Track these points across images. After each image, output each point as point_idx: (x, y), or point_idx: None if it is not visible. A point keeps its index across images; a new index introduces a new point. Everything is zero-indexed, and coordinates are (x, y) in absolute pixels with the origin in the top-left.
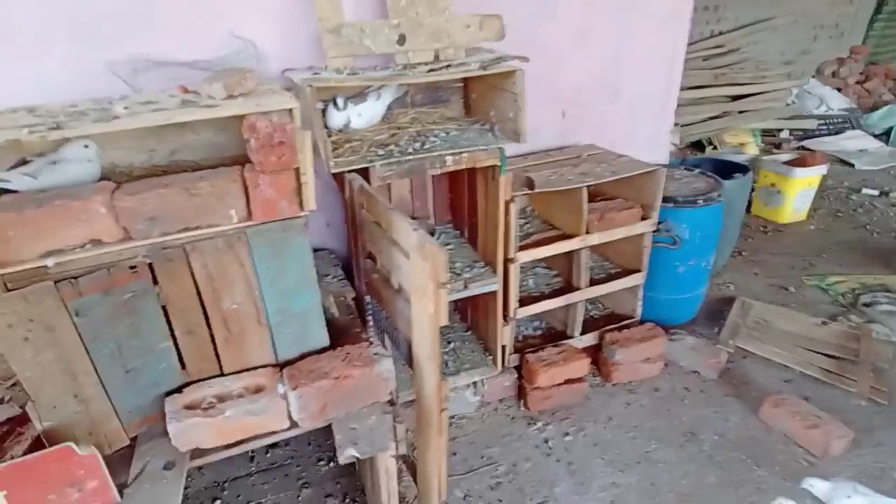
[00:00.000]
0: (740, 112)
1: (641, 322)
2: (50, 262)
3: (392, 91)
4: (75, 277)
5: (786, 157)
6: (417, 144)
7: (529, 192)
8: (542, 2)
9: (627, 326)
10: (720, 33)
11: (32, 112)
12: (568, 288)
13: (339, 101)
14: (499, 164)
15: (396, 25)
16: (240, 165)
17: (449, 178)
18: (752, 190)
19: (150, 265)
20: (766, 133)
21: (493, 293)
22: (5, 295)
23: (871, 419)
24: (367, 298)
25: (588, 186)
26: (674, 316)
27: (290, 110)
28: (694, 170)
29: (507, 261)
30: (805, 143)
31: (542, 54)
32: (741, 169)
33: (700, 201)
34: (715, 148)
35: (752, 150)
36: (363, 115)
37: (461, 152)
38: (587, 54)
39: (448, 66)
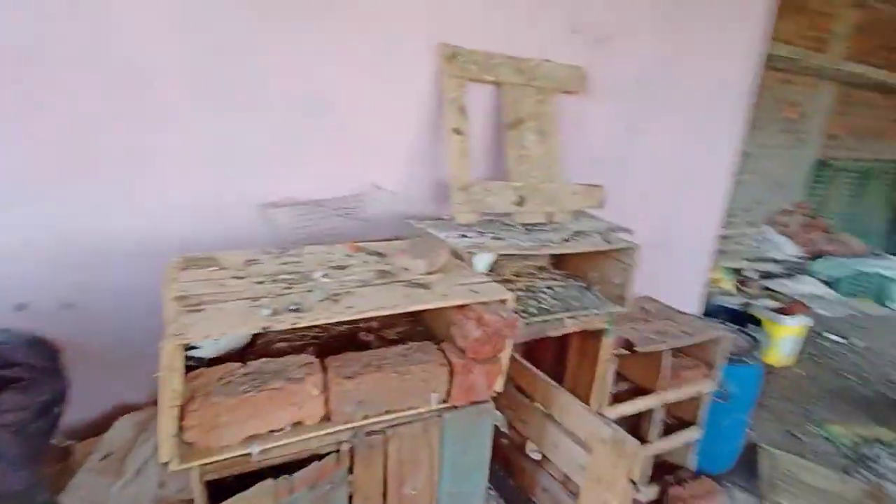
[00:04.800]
0: (716, 251)
1: (697, 476)
2: (255, 448)
3: None
4: (277, 467)
5: (771, 303)
6: (535, 304)
7: (628, 352)
8: (619, 173)
9: (686, 481)
10: None
11: (242, 276)
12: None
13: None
14: (606, 327)
15: (518, 188)
16: (437, 347)
17: None
18: None
19: (351, 449)
20: (734, 270)
21: None
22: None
23: None
24: None
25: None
26: (715, 466)
27: (505, 301)
28: (732, 326)
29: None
30: (766, 283)
31: (617, 209)
32: (754, 320)
33: (747, 360)
34: None
35: (727, 285)
36: (479, 267)
37: (578, 316)
38: (647, 212)
39: (575, 237)
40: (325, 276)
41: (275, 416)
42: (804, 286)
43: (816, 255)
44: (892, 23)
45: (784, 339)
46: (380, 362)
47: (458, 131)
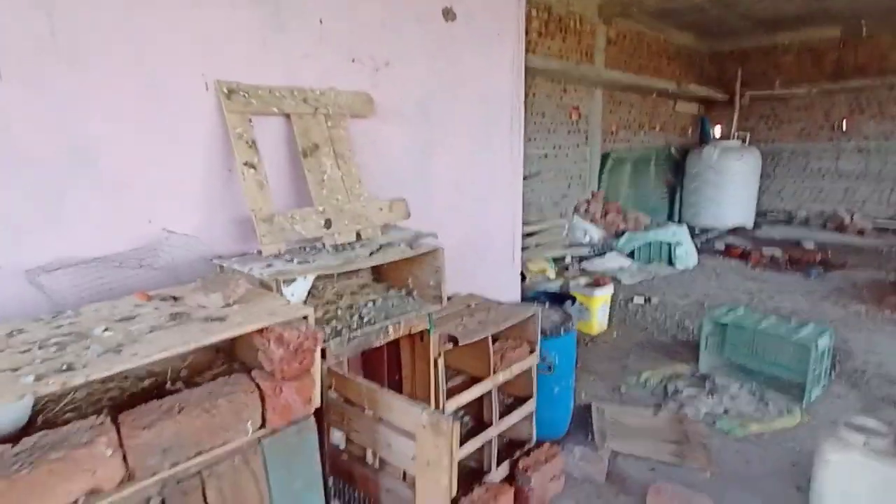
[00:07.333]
0: (536, 245)
1: (538, 444)
2: None
3: None
4: None
5: (584, 280)
6: (356, 318)
7: (454, 346)
8: (422, 187)
9: (529, 451)
10: None
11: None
12: (479, 425)
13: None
14: (428, 327)
15: (322, 212)
16: (247, 376)
17: None
18: None
19: (162, 502)
20: (555, 259)
21: None
22: None
23: (715, 487)
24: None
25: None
26: (554, 431)
27: (306, 317)
28: (545, 303)
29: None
30: (583, 265)
31: (427, 221)
32: (571, 298)
33: (562, 331)
34: (523, 276)
35: (551, 273)
36: (296, 295)
37: (399, 321)
38: (455, 220)
39: (381, 247)
40: (106, 330)
41: (61, 490)
42: (612, 262)
43: (618, 234)
44: (635, 36)
45: (598, 308)
46: (182, 404)
47: (250, 165)
